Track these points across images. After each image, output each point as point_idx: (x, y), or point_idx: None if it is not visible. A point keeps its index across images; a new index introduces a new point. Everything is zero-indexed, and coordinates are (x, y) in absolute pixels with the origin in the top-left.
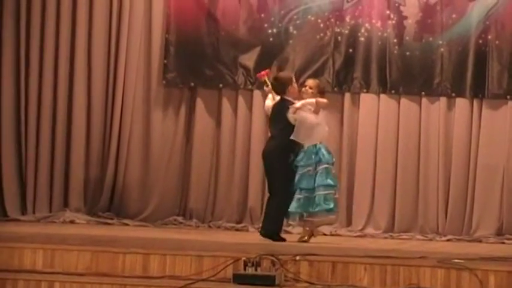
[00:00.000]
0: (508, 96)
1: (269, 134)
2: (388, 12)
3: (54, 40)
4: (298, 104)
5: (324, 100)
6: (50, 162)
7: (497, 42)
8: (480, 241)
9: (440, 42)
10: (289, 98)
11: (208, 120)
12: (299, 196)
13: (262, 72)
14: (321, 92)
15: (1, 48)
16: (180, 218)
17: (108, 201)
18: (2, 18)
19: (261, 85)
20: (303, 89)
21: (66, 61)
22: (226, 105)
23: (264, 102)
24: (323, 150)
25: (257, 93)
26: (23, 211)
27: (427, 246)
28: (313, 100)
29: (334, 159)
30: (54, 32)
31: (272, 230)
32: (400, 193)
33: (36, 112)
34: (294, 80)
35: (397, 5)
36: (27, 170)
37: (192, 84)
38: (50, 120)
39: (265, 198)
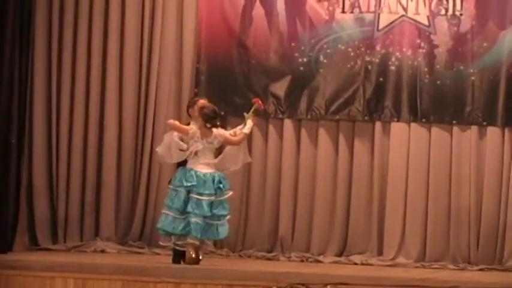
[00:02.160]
0: None
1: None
2: (418, 41)
3: (86, 66)
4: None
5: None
6: (81, 191)
7: None
8: None
9: (472, 70)
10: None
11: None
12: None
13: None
14: None
15: (33, 65)
16: (211, 247)
17: (139, 230)
18: (34, 32)
19: (291, 114)
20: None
21: (97, 95)
22: (256, 133)
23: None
24: None
25: (287, 122)
26: (54, 240)
27: (459, 276)
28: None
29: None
30: (85, 57)
31: None
32: (431, 222)
33: (67, 141)
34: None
35: (427, 33)
36: (58, 199)
37: (223, 113)
38: (81, 149)
39: (296, 227)
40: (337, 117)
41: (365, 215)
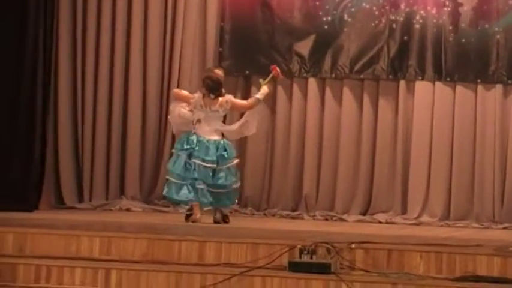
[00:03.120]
0: None
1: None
2: None
3: (110, 31)
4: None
5: None
6: (106, 150)
7: None
8: None
9: (496, 29)
10: None
11: (263, 108)
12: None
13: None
14: None
15: (58, 28)
16: (235, 206)
17: (163, 189)
18: (58, 16)
19: (316, 72)
20: None
21: (122, 51)
22: (281, 93)
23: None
24: None
25: (312, 81)
26: (80, 199)
27: (483, 234)
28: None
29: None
30: (110, 22)
31: None
32: (455, 181)
33: (92, 100)
34: None
35: None
36: (83, 159)
37: (247, 72)
38: (106, 109)
39: (321, 186)
40: (362, 76)
41: (389, 174)
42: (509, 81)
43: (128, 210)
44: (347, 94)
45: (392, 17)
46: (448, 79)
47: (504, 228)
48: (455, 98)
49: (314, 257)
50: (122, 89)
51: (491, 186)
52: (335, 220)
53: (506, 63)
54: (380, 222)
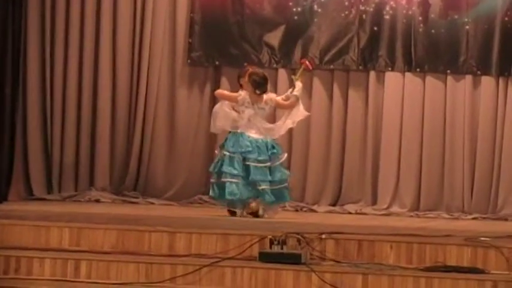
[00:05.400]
0: None
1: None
2: None
3: (79, 23)
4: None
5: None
6: (75, 141)
7: None
8: (506, 219)
9: (466, 19)
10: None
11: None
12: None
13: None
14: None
15: (26, 28)
16: (205, 197)
17: (133, 180)
18: None
19: (286, 63)
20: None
21: (92, 39)
22: None
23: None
24: None
25: (282, 72)
26: (49, 190)
27: (453, 225)
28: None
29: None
30: (79, 16)
31: None
32: (425, 171)
33: (61, 90)
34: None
35: None
36: (53, 149)
37: (217, 62)
38: (75, 98)
39: (291, 177)
40: (332, 66)
41: (359, 165)
42: (479, 72)
43: (98, 201)
44: (317, 85)
45: (362, 8)
46: (418, 70)
47: (474, 218)
48: (425, 88)
49: (285, 247)
50: (91, 80)
51: (461, 177)
52: (305, 211)
53: (476, 54)
54: (350, 213)
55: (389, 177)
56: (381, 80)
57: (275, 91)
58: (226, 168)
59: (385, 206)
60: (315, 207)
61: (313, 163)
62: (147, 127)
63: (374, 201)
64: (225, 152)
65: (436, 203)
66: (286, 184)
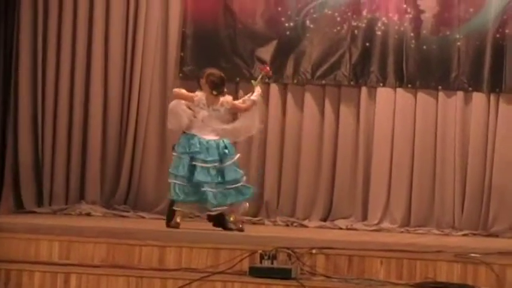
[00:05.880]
0: None
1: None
2: (405, 6)
3: (71, 32)
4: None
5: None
6: (66, 154)
7: None
8: (497, 236)
9: (458, 36)
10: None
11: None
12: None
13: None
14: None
15: (18, 42)
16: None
17: (124, 194)
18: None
19: (277, 78)
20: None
21: (83, 54)
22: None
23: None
24: None
25: (273, 87)
26: (39, 203)
27: (443, 241)
28: None
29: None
30: (71, 24)
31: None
32: (416, 187)
33: (53, 104)
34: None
35: None
36: (43, 162)
37: None
38: (67, 112)
39: (282, 192)
40: (323, 81)
41: (350, 180)
42: (470, 89)
43: (88, 214)
44: (309, 100)
45: (354, 23)
46: (410, 86)
47: (464, 234)
48: (416, 104)
49: (275, 262)
50: (82, 93)
51: (451, 193)
52: (296, 226)
53: (467, 71)
54: (341, 229)
55: (380, 192)
56: (372, 96)
57: (266, 106)
58: (172, 169)
59: (375, 222)
60: (305, 222)
61: (304, 177)
62: (138, 141)
63: (365, 217)
64: (174, 153)
65: (426, 218)
66: (242, 183)
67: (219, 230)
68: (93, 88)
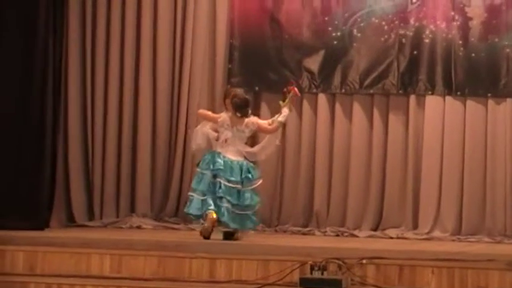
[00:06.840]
0: None
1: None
2: (452, 13)
3: (119, 47)
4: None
5: None
6: (116, 168)
7: None
8: None
9: (506, 42)
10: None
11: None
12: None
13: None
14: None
15: (67, 59)
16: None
17: (174, 206)
18: (67, 18)
19: (325, 88)
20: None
21: (132, 67)
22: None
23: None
24: None
25: (321, 97)
26: (90, 217)
27: (495, 249)
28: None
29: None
30: (119, 39)
31: None
32: (467, 195)
33: (102, 119)
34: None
35: (461, 5)
36: (94, 176)
37: (257, 88)
38: (116, 126)
39: (332, 202)
40: (372, 91)
41: (400, 189)
42: None
43: (139, 227)
44: (357, 109)
45: (401, 32)
46: (458, 93)
47: None
48: (465, 112)
49: (325, 273)
50: (131, 105)
51: (502, 200)
52: (346, 236)
53: None
54: (391, 238)
55: (431, 200)
56: (421, 104)
57: (315, 117)
58: (193, 184)
59: (426, 231)
60: (355, 232)
61: (353, 187)
62: (188, 153)
63: (415, 226)
64: (197, 169)
65: (477, 226)
66: (252, 211)
67: (269, 243)
68: (142, 101)
